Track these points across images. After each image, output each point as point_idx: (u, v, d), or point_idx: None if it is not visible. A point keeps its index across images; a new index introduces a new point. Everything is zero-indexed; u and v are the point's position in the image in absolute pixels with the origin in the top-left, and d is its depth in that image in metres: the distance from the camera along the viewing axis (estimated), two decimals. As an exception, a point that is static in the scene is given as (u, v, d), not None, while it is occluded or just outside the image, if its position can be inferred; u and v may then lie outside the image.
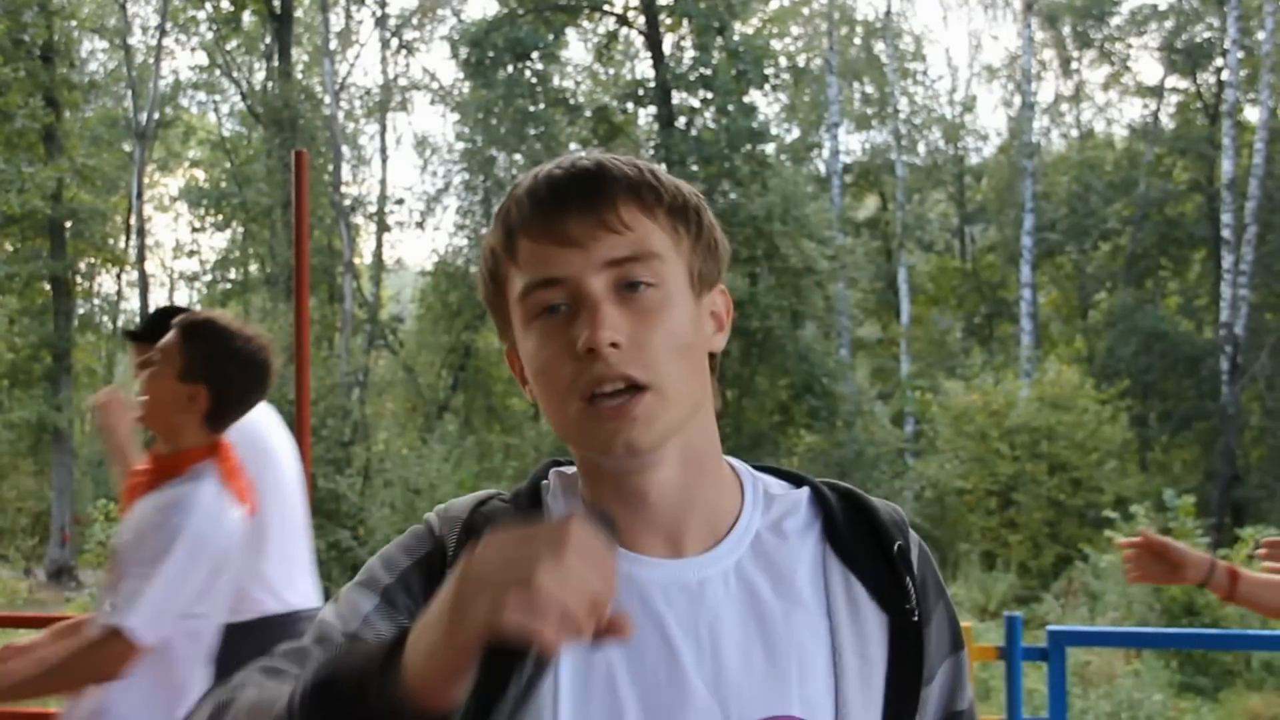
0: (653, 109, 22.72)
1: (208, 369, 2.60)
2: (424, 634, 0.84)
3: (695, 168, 20.87)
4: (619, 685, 1.02)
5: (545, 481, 1.16)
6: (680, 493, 1.08)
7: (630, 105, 23.55)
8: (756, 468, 1.18)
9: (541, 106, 22.54)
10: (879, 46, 27.67)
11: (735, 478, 1.15)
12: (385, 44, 27.28)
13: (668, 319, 1.04)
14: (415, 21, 27.35)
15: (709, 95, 21.77)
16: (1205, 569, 2.54)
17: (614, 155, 1.10)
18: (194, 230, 28.39)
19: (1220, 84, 24.01)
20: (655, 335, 1.03)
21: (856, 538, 1.12)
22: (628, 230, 1.04)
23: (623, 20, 23.94)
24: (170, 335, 2.63)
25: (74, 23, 23.99)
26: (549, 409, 1.07)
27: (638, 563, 1.07)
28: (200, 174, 29.03)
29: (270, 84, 24.68)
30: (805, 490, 1.16)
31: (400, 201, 27.11)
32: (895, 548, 1.12)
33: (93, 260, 25.86)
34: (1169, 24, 25.61)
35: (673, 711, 1.02)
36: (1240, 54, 22.24)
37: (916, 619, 1.10)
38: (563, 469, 1.17)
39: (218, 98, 28.41)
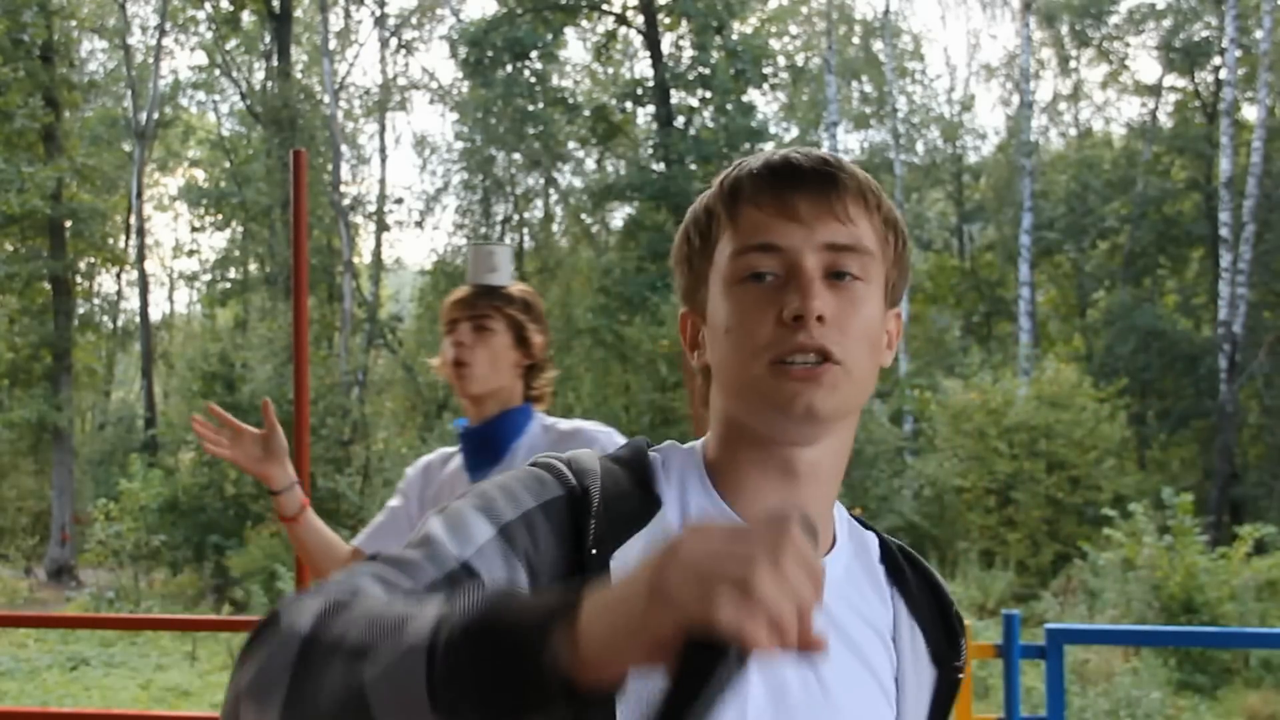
0: (651, 108, 22.74)
1: None
2: (610, 610, 0.79)
3: (694, 167, 20.89)
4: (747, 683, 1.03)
5: (653, 454, 1.15)
6: (822, 484, 1.12)
7: (629, 104, 23.56)
8: None
9: (540, 106, 22.55)
10: (877, 45, 27.67)
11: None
12: (384, 43, 27.30)
13: (866, 311, 1.09)
14: (414, 21, 27.38)
15: (708, 94, 21.78)
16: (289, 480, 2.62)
17: (848, 159, 1.16)
18: (193, 230, 28.45)
19: (1218, 83, 24.02)
20: (854, 321, 1.07)
21: (922, 594, 1.18)
22: (851, 223, 1.09)
23: (621, 20, 23.96)
24: None
25: (74, 22, 24.00)
26: (730, 366, 1.09)
27: None
28: (200, 174, 29.07)
29: (269, 84, 24.68)
30: (872, 534, 1.20)
31: (399, 201, 27.17)
32: (954, 610, 1.19)
33: (93, 260, 25.87)
34: (1167, 23, 25.62)
35: (796, 709, 1.06)
36: (1238, 53, 22.24)
37: (959, 678, 1.17)
38: (681, 446, 1.17)
39: (217, 97, 28.45)
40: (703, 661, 0.75)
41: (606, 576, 1.00)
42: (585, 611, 0.79)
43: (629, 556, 1.03)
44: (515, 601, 0.82)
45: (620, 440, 2.48)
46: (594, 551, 1.03)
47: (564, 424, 2.70)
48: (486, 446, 2.67)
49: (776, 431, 1.08)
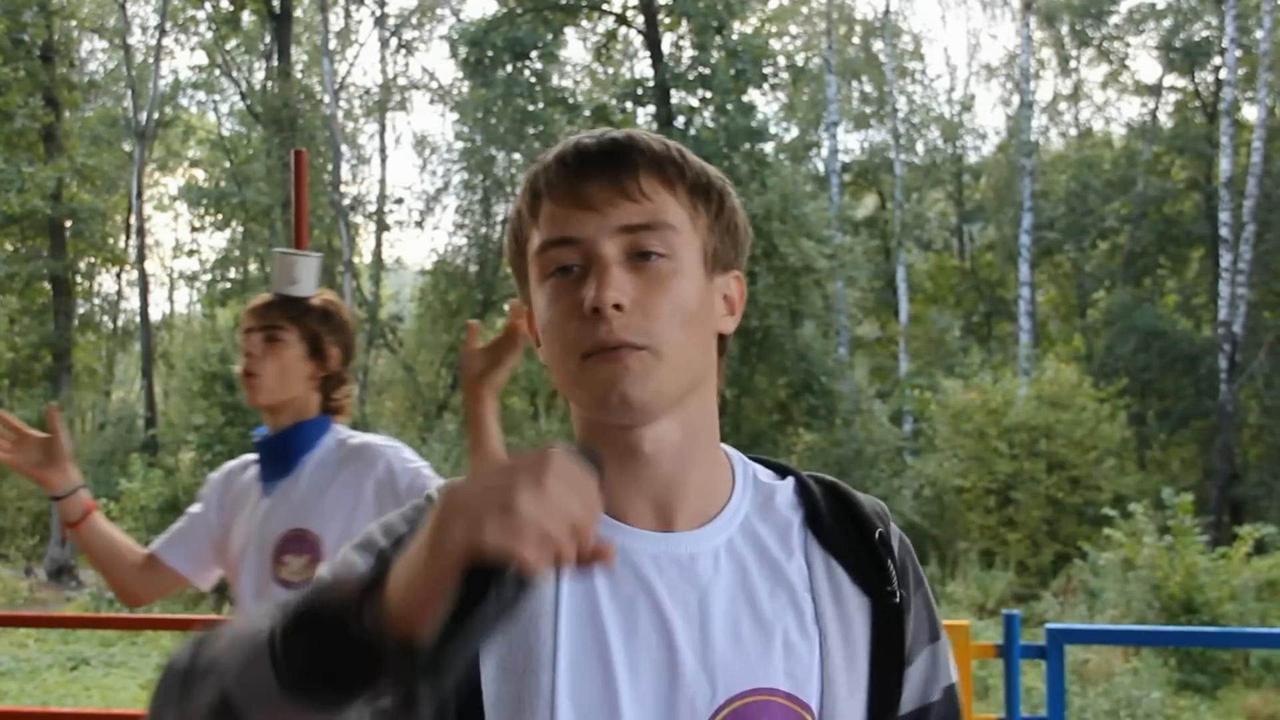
0: (651, 108, 22.72)
1: None
2: (405, 564, 0.87)
3: (694, 167, 20.87)
4: (612, 649, 1.04)
5: None
6: (675, 461, 1.10)
7: (629, 104, 23.54)
8: (748, 457, 1.21)
9: (540, 106, 22.54)
10: (877, 45, 27.68)
11: (728, 462, 1.18)
12: (384, 43, 27.31)
13: (674, 288, 1.07)
14: (414, 21, 27.39)
15: (708, 94, 21.77)
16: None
17: (646, 132, 1.13)
18: (194, 230, 28.43)
19: (1218, 82, 24.02)
20: (660, 301, 1.06)
21: (839, 526, 1.15)
22: (646, 200, 1.07)
23: (621, 20, 23.95)
24: None
25: (74, 22, 24.01)
26: (553, 365, 1.10)
27: (629, 534, 1.09)
28: (200, 173, 29.05)
29: (270, 83, 24.69)
30: (790, 480, 1.19)
31: (399, 201, 27.20)
32: (876, 534, 1.15)
33: (93, 260, 25.88)
34: (1167, 23, 25.63)
35: (662, 679, 1.04)
36: (1238, 53, 22.25)
37: (898, 601, 1.13)
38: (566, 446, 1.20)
39: (217, 97, 28.43)
40: (481, 585, 0.81)
41: None
42: (392, 573, 0.87)
43: None
44: (340, 582, 0.91)
45: (408, 455, 2.67)
46: None
47: (355, 438, 2.72)
48: (278, 458, 2.67)
49: (605, 419, 1.08)
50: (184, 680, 0.95)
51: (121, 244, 27.05)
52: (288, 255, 2.71)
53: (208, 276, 28.09)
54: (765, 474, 1.19)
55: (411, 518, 1.13)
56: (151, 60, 26.17)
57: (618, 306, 1.04)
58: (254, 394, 2.65)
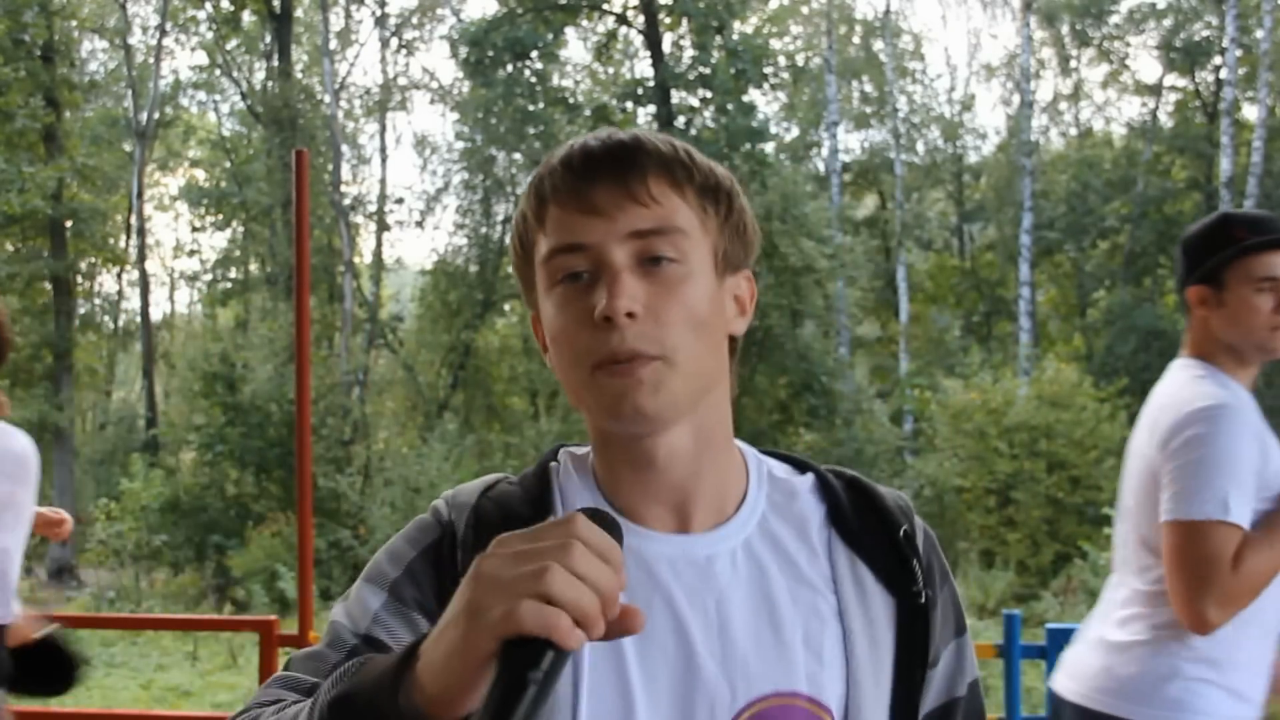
0: (652, 108, 22.72)
1: None
2: (439, 641, 0.85)
3: (694, 166, 20.87)
4: (628, 657, 1.04)
5: (554, 463, 1.17)
6: (689, 465, 1.09)
7: (629, 104, 23.54)
8: (763, 452, 1.20)
9: (541, 106, 22.54)
10: (878, 45, 27.68)
11: (743, 460, 1.16)
12: (385, 43, 27.29)
13: (686, 293, 1.05)
14: (415, 21, 27.37)
15: (708, 94, 21.78)
16: None
17: (652, 133, 1.11)
18: (194, 230, 28.41)
19: (1219, 82, 24.02)
20: (672, 308, 1.04)
21: (862, 523, 1.13)
22: (655, 204, 1.05)
23: (622, 19, 23.95)
24: None
25: (74, 22, 24.00)
26: (563, 374, 1.08)
27: (645, 537, 1.08)
28: (200, 173, 29.05)
29: (270, 83, 24.68)
30: (810, 476, 1.17)
31: (400, 201, 27.15)
32: (901, 532, 1.13)
33: (93, 260, 25.87)
34: (1167, 22, 25.63)
35: (680, 685, 1.03)
36: (1238, 52, 22.25)
37: (923, 601, 1.11)
38: (572, 449, 1.18)
39: (218, 97, 28.43)
40: (522, 664, 0.81)
41: None
42: (423, 652, 0.86)
43: None
44: (373, 661, 0.89)
45: (13, 436, 2.92)
46: None
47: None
48: None
49: (618, 430, 1.07)
50: None
51: (122, 244, 27.05)
52: None
53: (208, 276, 28.10)
54: (782, 470, 1.18)
55: (417, 538, 1.12)
56: (152, 60, 26.17)
57: (630, 315, 1.02)
58: None
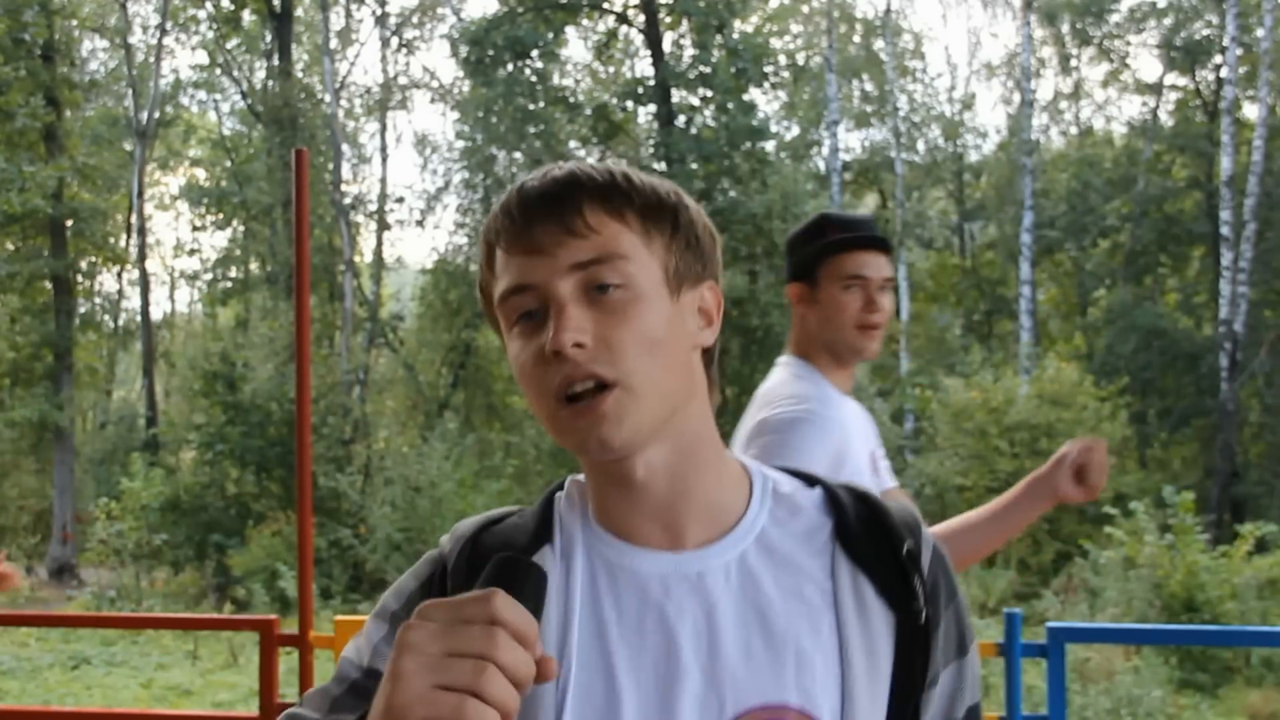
0: (652, 107, 22.73)
1: None
2: (372, 712, 0.89)
3: (695, 166, 20.89)
4: (618, 672, 1.05)
5: (559, 493, 1.19)
6: (672, 481, 1.10)
7: (630, 103, 23.55)
8: (775, 467, 1.20)
9: (541, 105, 22.54)
10: (878, 44, 27.66)
11: (744, 474, 1.16)
12: (385, 42, 27.29)
13: (636, 317, 1.06)
14: (415, 20, 27.36)
15: (709, 93, 21.77)
16: None
17: (593, 163, 1.12)
18: (194, 229, 28.44)
19: (1219, 81, 24.01)
20: (623, 333, 1.05)
21: (868, 539, 1.12)
22: (593, 234, 1.06)
23: (622, 19, 23.95)
24: None
25: (74, 22, 23.99)
26: (534, 410, 1.10)
27: (637, 555, 1.09)
28: (201, 173, 29.07)
29: (270, 83, 24.68)
30: (818, 490, 1.17)
31: (400, 200, 27.15)
32: (905, 549, 1.12)
33: (94, 259, 25.86)
34: (1168, 21, 25.62)
35: (669, 697, 1.04)
36: (1239, 51, 22.23)
37: (924, 619, 1.10)
38: (578, 478, 1.19)
39: (218, 96, 28.44)
40: None
41: None
42: None
43: None
44: None
45: None
46: None
47: None
48: None
49: (592, 457, 1.10)
50: None
51: (122, 243, 27.06)
52: None
53: (209, 275, 28.12)
54: (789, 484, 1.17)
55: (420, 571, 1.16)
56: (152, 59, 26.18)
57: (579, 345, 1.03)
58: None
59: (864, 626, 1.08)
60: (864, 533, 1.13)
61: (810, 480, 1.19)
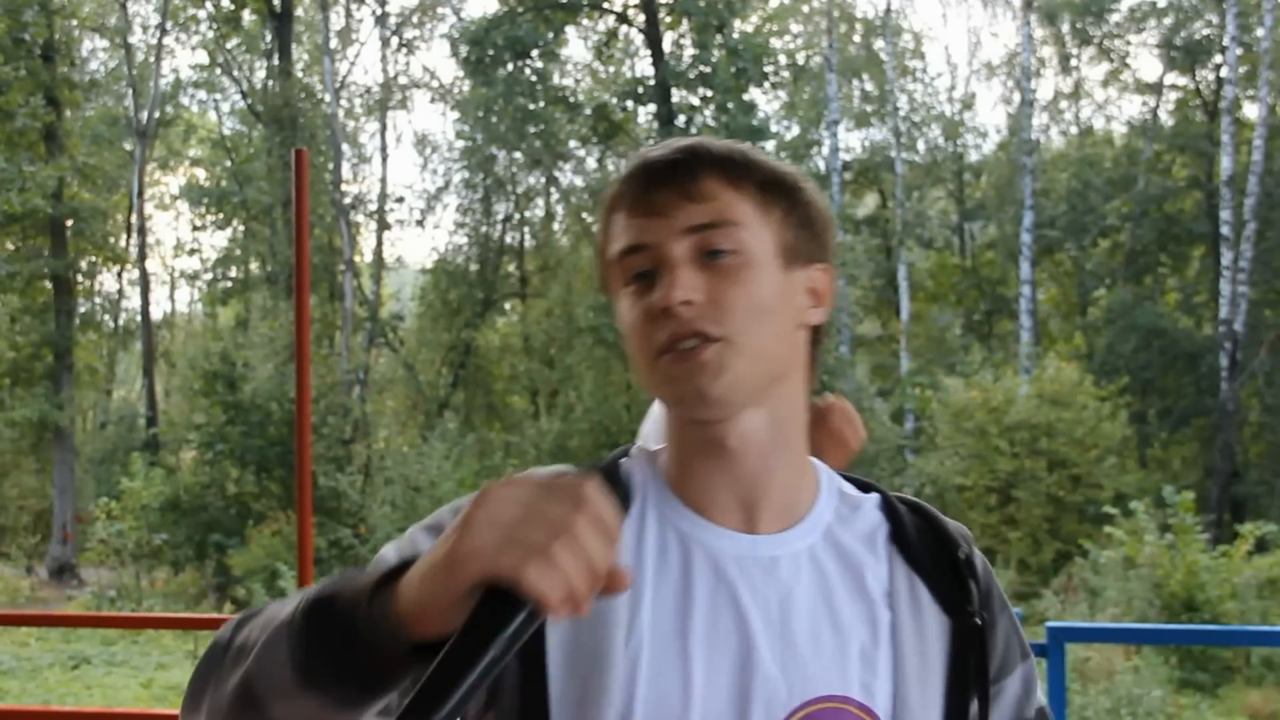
0: (652, 107, 22.74)
1: None
2: (429, 561, 0.86)
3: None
4: (692, 646, 1.06)
5: (625, 459, 1.19)
6: (762, 456, 1.12)
7: (630, 103, 23.56)
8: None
9: (541, 104, 22.55)
10: (878, 44, 27.65)
11: (813, 468, 1.19)
12: (385, 42, 27.28)
13: (747, 281, 1.08)
14: (415, 20, 27.35)
15: (709, 93, 21.78)
16: None
17: (713, 139, 1.16)
18: (195, 228, 28.44)
19: (1219, 81, 24.01)
20: (732, 295, 1.07)
21: (923, 544, 1.16)
22: (709, 200, 1.10)
23: (622, 18, 23.95)
24: None
25: (74, 22, 24.01)
26: (636, 365, 1.13)
27: (714, 533, 1.11)
28: (201, 172, 29.06)
29: (270, 82, 24.68)
30: (875, 495, 1.20)
31: (400, 199, 27.16)
32: (961, 555, 1.16)
33: (94, 259, 25.87)
34: (1168, 21, 25.61)
35: (739, 679, 1.06)
36: (1239, 51, 22.24)
37: (979, 622, 1.14)
38: (646, 447, 1.21)
39: (218, 96, 28.42)
40: (500, 612, 0.81)
41: None
42: (413, 568, 0.87)
43: None
44: (356, 574, 0.91)
45: None
46: None
47: None
48: None
49: (688, 415, 1.11)
50: (221, 659, 0.97)
51: (122, 243, 27.06)
52: None
53: (209, 275, 28.12)
54: (849, 487, 1.21)
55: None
56: (152, 59, 26.18)
57: (687, 303, 1.06)
58: None
59: (918, 628, 1.12)
60: (920, 539, 1.16)
61: (865, 486, 1.22)
